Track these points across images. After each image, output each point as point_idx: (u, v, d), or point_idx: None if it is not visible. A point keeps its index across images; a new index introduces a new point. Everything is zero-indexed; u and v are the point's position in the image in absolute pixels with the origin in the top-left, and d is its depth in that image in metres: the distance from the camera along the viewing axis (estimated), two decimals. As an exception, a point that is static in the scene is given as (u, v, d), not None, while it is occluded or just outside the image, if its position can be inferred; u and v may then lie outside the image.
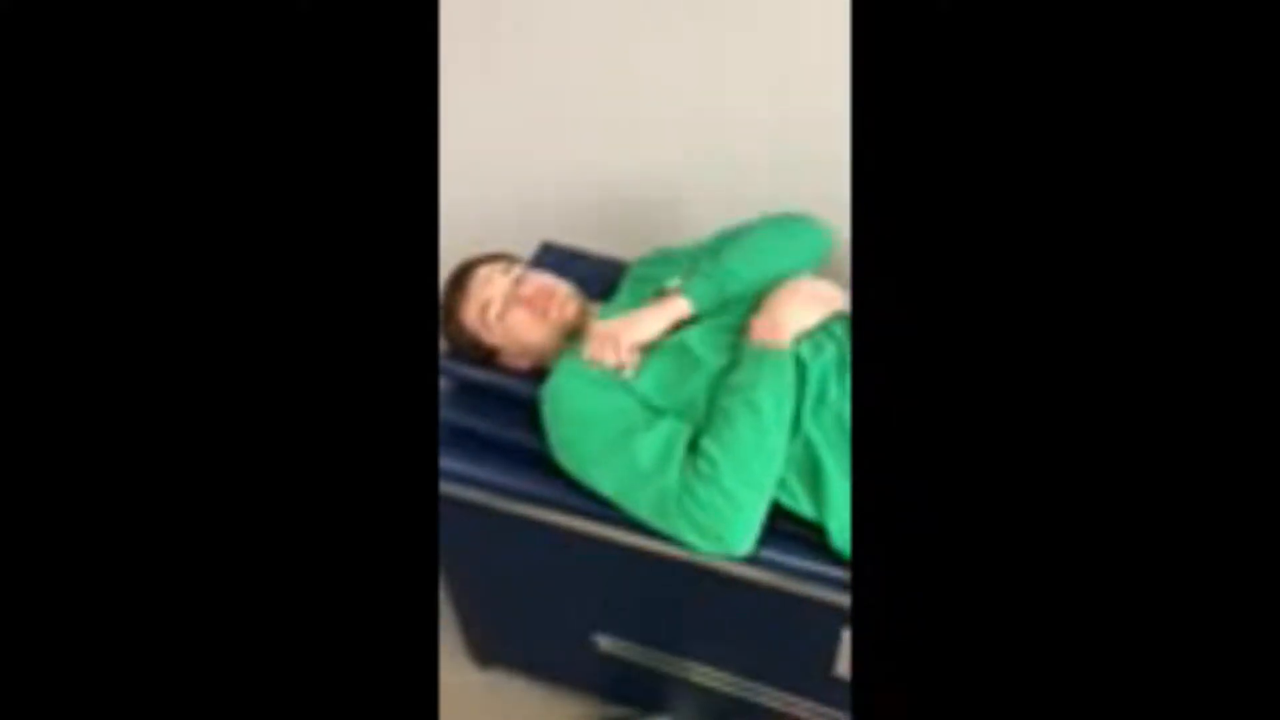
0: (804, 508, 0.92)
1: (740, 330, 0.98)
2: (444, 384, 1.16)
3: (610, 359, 0.97)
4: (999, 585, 0.47)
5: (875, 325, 0.50)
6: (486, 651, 1.39)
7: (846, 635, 0.98)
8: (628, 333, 0.98)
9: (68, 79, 0.47)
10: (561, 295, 1.06)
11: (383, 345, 0.51)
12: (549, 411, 0.99)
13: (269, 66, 0.49)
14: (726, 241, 1.09)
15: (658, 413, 0.95)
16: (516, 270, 1.08)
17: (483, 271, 1.07)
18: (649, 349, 0.99)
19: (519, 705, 1.36)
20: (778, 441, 0.90)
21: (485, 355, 1.09)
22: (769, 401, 0.89)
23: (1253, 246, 0.45)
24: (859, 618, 0.50)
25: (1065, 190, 0.46)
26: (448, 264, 1.14)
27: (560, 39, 1.33)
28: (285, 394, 0.49)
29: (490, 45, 1.36)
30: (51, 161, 0.47)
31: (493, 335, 1.06)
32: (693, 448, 0.91)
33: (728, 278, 1.02)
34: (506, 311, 1.04)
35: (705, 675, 1.15)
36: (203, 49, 0.48)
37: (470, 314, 1.06)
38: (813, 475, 0.91)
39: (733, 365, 0.94)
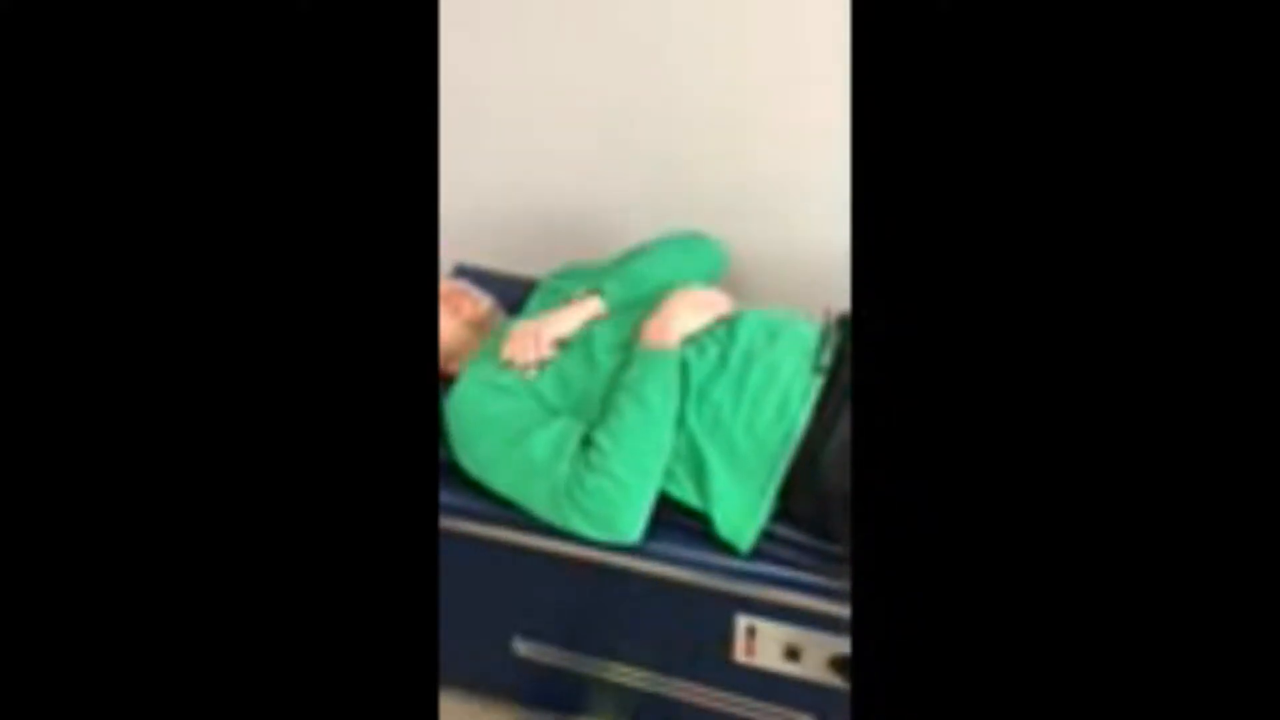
0: (690, 498, 0.98)
1: (635, 332, 1.04)
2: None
3: (531, 354, 1.04)
4: (999, 587, 0.47)
5: (875, 326, 0.49)
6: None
7: (741, 621, 1.03)
8: (547, 329, 1.06)
9: (68, 79, 0.47)
10: (474, 295, 1.19)
11: (383, 350, 0.51)
12: (452, 418, 1.04)
13: (267, 68, 0.49)
14: (631, 254, 1.18)
15: (554, 412, 1.01)
16: (438, 274, 1.19)
17: None
18: (562, 345, 1.06)
19: (444, 718, 1.38)
20: (663, 433, 0.96)
21: None
22: (656, 397, 0.96)
23: (1252, 248, 0.44)
24: (859, 620, 0.50)
25: (1065, 191, 0.46)
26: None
27: (468, 57, 1.39)
28: (285, 406, 0.49)
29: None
30: (51, 161, 0.47)
31: None
32: (585, 443, 0.97)
33: (636, 280, 1.11)
34: None
35: (621, 674, 1.19)
36: (201, 50, 0.48)
37: None
38: (697, 468, 0.97)
39: (624, 365, 1.01)
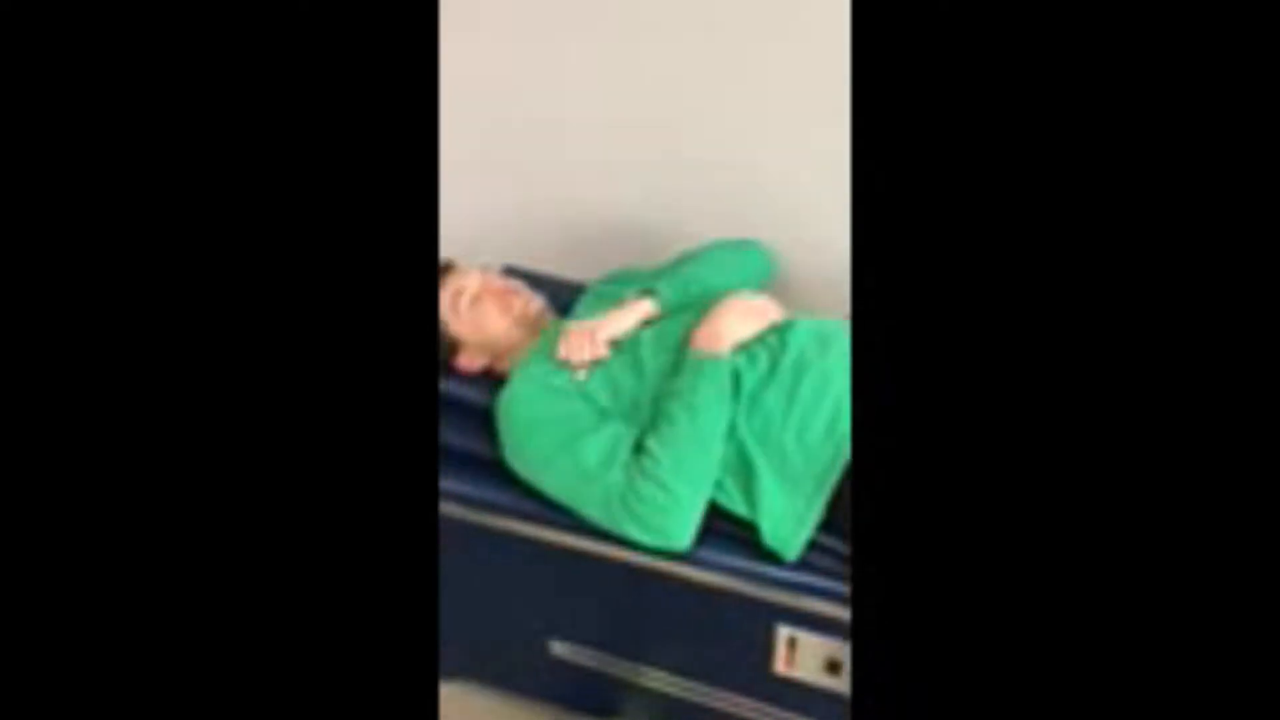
0: (738, 507, 0.98)
1: (683, 339, 1.05)
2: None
3: (586, 353, 1.05)
4: (999, 591, 0.47)
5: (875, 329, 0.50)
6: (447, 662, 1.42)
7: (782, 632, 1.02)
8: (603, 329, 1.07)
9: (68, 79, 0.48)
10: (526, 294, 1.20)
11: (383, 352, 0.51)
12: (503, 418, 1.05)
13: (269, 69, 0.49)
14: (682, 258, 1.19)
15: (604, 416, 1.02)
16: (491, 273, 1.22)
17: (463, 267, 1.21)
18: (616, 346, 1.07)
19: (478, 716, 1.39)
20: (715, 442, 0.96)
21: (448, 347, 1.18)
22: (707, 405, 0.96)
23: (1251, 248, 0.44)
24: (859, 621, 0.50)
25: (1065, 191, 0.46)
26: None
27: (518, 64, 1.41)
28: (283, 401, 0.49)
29: (454, 67, 1.45)
30: (51, 161, 0.48)
31: (460, 323, 1.15)
32: (637, 449, 0.98)
33: (690, 282, 1.12)
34: (477, 301, 1.15)
35: (657, 679, 1.19)
36: (201, 52, 0.49)
37: (444, 300, 1.17)
38: (745, 477, 0.97)
39: (674, 371, 1.01)
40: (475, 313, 1.15)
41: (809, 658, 1.03)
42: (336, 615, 0.50)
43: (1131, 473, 0.46)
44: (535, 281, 1.33)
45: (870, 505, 0.50)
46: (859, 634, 0.51)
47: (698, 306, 1.08)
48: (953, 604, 0.48)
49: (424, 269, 0.54)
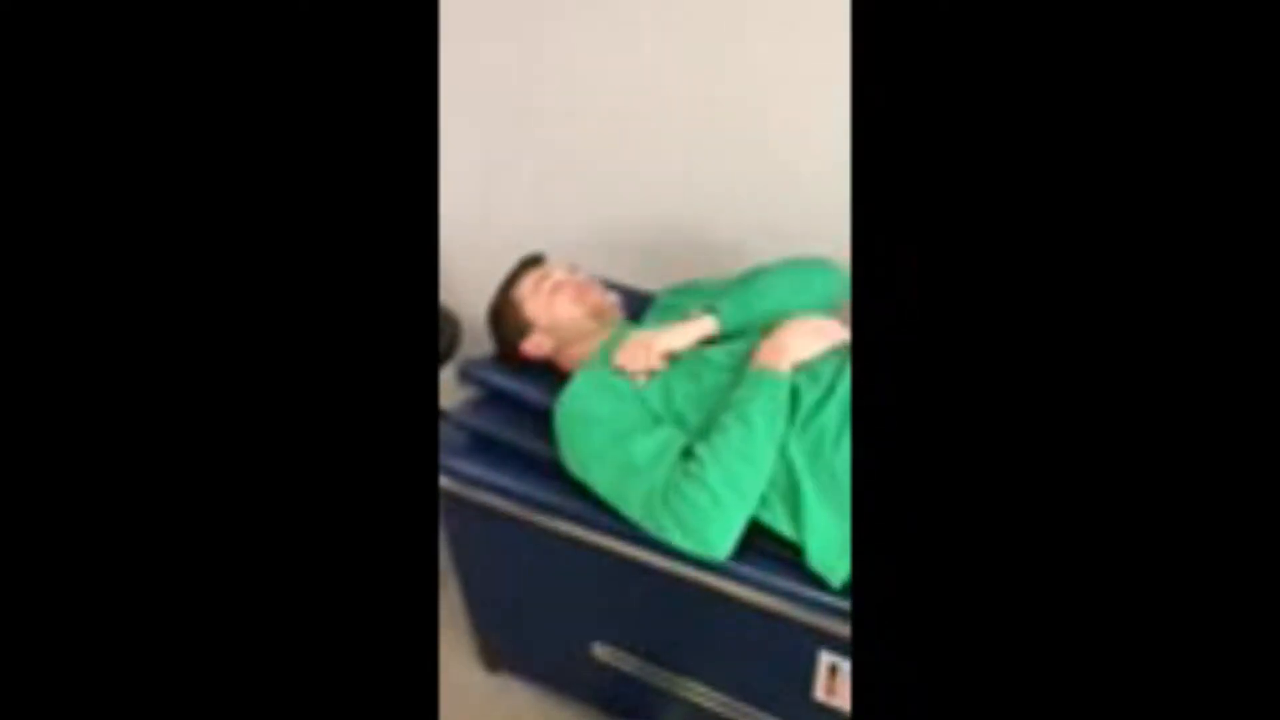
0: (783, 527, 0.97)
1: (748, 356, 1.05)
2: (472, 392, 1.26)
3: (641, 364, 1.07)
4: (999, 598, 0.47)
5: (875, 331, 0.50)
6: (495, 655, 1.45)
7: (824, 658, 1.01)
8: (660, 341, 1.09)
9: (68, 79, 0.47)
10: (600, 288, 1.26)
11: (384, 353, 0.51)
12: (559, 412, 1.08)
13: (271, 70, 0.49)
14: (751, 276, 1.19)
15: (659, 420, 1.03)
16: (577, 271, 1.29)
17: (554, 260, 1.30)
18: (672, 359, 1.09)
19: (520, 710, 1.42)
20: (765, 455, 0.96)
21: (519, 329, 1.23)
22: (761, 418, 0.96)
23: (1252, 247, 0.44)
24: (859, 628, 0.50)
25: (1066, 191, 0.46)
26: (491, 284, 1.27)
27: (607, 77, 1.44)
28: (285, 397, 0.49)
29: (538, 88, 1.48)
30: (50, 162, 0.47)
31: (536, 303, 1.22)
32: (686, 454, 0.98)
33: (753, 302, 1.13)
34: (558, 288, 1.22)
35: (695, 692, 1.19)
36: (202, 60, 0.48)
37: (528, 283, 1.24)
38: (792, 496, 0.96)
39: (734, 384, 1.02)
40: (553, 297, 1.21)
41: (850, 687, 1.01)
42: (337, 607, 0.50)
43: (1132, 479, 0.45)
44: (609, 289, 1.36)
45: (870, 511, 0.50)
46: (859, 644, 0.50)
47: (763, 326, 1.09)
48: (953, 611, 0.48)
49: (423, 261, 0.53)
